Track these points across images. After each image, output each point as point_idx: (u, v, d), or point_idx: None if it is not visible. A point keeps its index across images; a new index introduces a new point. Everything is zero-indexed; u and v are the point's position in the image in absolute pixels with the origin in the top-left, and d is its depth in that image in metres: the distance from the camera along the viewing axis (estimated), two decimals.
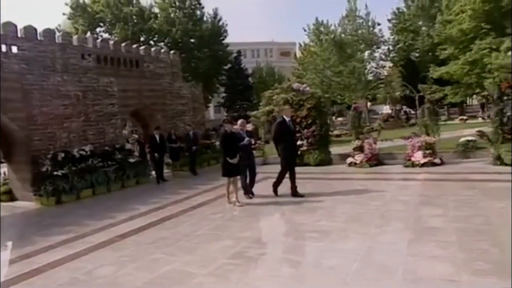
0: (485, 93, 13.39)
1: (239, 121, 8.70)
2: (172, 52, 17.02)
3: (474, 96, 32.79)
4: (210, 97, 38.13)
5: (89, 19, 32.69)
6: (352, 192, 8.10)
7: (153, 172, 12.81)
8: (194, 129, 14.31)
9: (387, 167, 11.05)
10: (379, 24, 35.05)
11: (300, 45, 39.62)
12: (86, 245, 5.87)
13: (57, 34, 13.30)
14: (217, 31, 36.01)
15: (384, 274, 3.96)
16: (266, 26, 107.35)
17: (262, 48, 68.35)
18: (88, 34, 29.27)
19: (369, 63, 36.65)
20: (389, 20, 37.55)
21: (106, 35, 32.99)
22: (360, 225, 5.76)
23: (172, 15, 34.52)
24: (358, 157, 11.53)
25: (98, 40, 14.68)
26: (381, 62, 38.14)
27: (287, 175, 8.16)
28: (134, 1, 34.13)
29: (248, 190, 8.37)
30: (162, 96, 15.22)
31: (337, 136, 21.43)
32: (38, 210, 9.75)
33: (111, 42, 14.42)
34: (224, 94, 40.97)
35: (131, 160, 12.38)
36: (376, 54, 37.06)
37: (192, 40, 34.48)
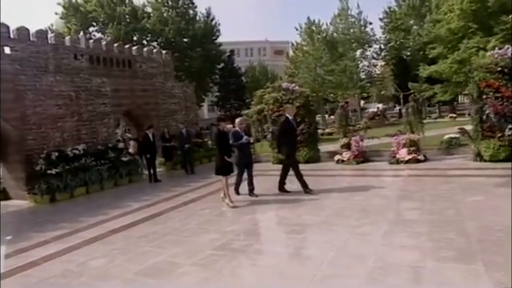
0: (466, 91, 13.78)
1: (237, 120, 8.74)
2: (164, 52, 17.24)
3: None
4: (203, 96, 38.34)
5: (82, 18, 32.77)
6: (337, 188, 8.42)
7: (146, 171, 12.90)
8: (187, 127, 14.42)
9: (373, 164, 11.38)
10: (370, 23, 35.59)
11: (292, 44, 39.88)
12: (79, 240, 6.13)
13: (50, 34, 13.47)
14: (210, 30, 36.24)
15: (356, 261, 4.27)
16: (260, 25, 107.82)
17: (255, 47, 68.59)
18: (81, 33, 29.53)
19: (361, 61, 37.15)
20: (380, 19, 38.01)
21: (99, 35, 33.11)
22: (341, 219, 6.07)
23: (165, 14, 34.70)
24: (346, 155, 11.85)
25: (91, 41, 14.86)
26: (373, 60, 38.71)
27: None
28: (127, 1, 34.25)
29: (237, 188, 8.51)
30: (155, 96, 15.45)
31: (329, 134, 21.73)
32: (32, 208, 9.97)
33: (104, 43, 14.62)
34: (217, 93, 41.17)
35: (124, 158, 12.58)
36: (368, 53, 37.63)
37: (185, 40, 34.69)
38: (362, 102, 49.38)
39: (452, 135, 11.67)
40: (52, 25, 33.80)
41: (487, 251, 4.19)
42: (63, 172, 10.74)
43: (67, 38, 13.59)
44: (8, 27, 11.42)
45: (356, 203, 6.94)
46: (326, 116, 42.82)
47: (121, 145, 13.57)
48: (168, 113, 16.03)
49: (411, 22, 35.12)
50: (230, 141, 8.09)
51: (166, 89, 16.14)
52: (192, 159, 13.62)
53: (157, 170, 12.79)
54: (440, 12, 27.14)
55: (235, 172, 8.36)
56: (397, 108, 38.05)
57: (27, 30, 11.93)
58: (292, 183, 8.37)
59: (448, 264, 3.99)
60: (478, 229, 4.92)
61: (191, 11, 35.99)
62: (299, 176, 8.19)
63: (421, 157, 10.80)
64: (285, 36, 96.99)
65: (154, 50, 17.07)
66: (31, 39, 11.98)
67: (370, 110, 37.08)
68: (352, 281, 3.83)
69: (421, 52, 32.13)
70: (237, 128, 8.37)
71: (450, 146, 11.47)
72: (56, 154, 11.08)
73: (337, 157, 12.08)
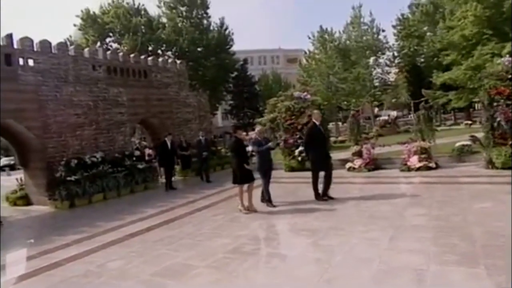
0: (476, 99, 13.74)
1: (257, 128, 9.00)
2: (179, 62, 17.69)
3: None
4: (217, 105, 38.81)
5: (99, 29, 33.70)
6: (347, 195, 8.56)
7: (162, 177, 13.10)
8: (205, 136, 14.49)
9: (384, 171, 11.47)
10: (383, 31, 35.56)
11: (305, 53, 40.14)
12: (98, 243, 6.45)
13: (70, 46, 14.03)
14: (223, 39, 36.77)
15: (362, 264, 4.45)
16: (273, 33, 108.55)
17: (268, 55, 69.11)
18: (98, 44, 30.40)
19: (374, 69, 37.10)
20: (393, 26, 37.91)
21: (115, 45, 33.98)
22: (349, 224, 6.24)
23: (179, 25, 35.39)
24: (357, 162, 11.97)
25: (108, 52, 15.40)
26: (387, 68, 38.62)
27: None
28: (143, 12, 35.10)
29: (266, 197, 8.38)
30: (169, 105, 15.87)
31: (341, 141, 21.81)
32: (53, 213, 10.38)
33: (120, 54, 15.13)
34: (231, 102, 41.63)
35: (140, 166, 12.96)
36: (381, 60, 37.54)
37: (199, 49, 35.26)
38: (376, 109, 49.26)
39: (464, 143, 11.68)
40: (70, 36, 34.87)
41: (490, 255, 4.32)
42: (82, 179, 11.16)
43: (86, 49, 14.14)
44: (32, 41, 11.96)
45: (364, 210, 7.10)
46: (340, 123, 42.85)
47: (137, 153, 13.93)
48: (183, 122, 16.42)
49: (425, 28, 34.96)
50: (253, 148, 8.17)
51: (181, 98, 16.55)
52: (208, 167, 13.63)
53: (173, 177, 13.00)
54: (453, 18, 27.04)
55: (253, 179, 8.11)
56: (411, 115, 37.81)
57: (49, 43, 12.46)
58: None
59: (451, 267, 4.14)
60: (483, 234, 5.04)
61: (205, 21, 36.61)
62: (314, 184, 8.28)
63: (432, 164, 10.84)
64: (298, 44, 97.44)
65: (169, 60, 17.53)
66: (53, 51, 12.53)
67: (382, 118, 36.94)
68: (357, 283, 4.01)
69: (435, 59, 31.95)
70: (257, 136, 8.57)
71: (462, 154, 11.47)
72: (75, 161, 11.53)
73: (348, 165, 12.20)
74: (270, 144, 8.56)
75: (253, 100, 40.26)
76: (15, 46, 11.40)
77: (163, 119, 15.54)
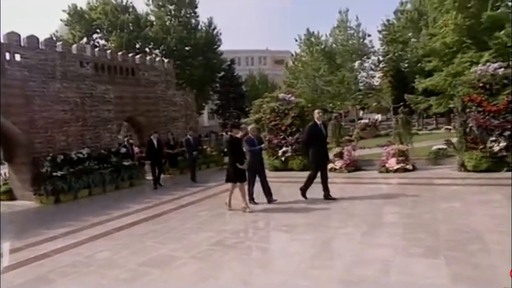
0: (451, 105, 14.36)
1: (249, 127, 9.03)
2: (166, 60, 17.85)
3: None
4: (203, 104, 38.97)
5: (86, 25, 33.52)
6: None
7: (149, 176, 13.19)
8: (193, 135, 14.36)
9: (364, 172, 11.91)
10: (369, 35, 36.38)
11: (292, 55, 40.66)
12: (85, 236, 6.65)
13: (57, 42, 14.05)
14: (211, 39, 36.96)
15: (335, 256, 4.81)
16: (260, 34, 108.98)
17: (256, 56, 69.42)
18: (85, 40, 30.24)
19: (359, 72, 37.85)
20: (379, 31, 38.70)
21: (102, 42, 33.84)
22: (327, 221, 6.61)
23: (167, 23, 35.45)
24: (338, 163, 12.37)
25: (96, 49, 15.47)
26: (371, 72, 39.42)
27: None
28: (131, 9, 35.03)
29: (252, 196, 8.51)
30: (156, 103, 16.05)
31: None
32: (38, 208, 10.47)
33: (108, 51, 15.23)
34: (217, 101, 41.82)
35: (126, 163, 13.10)
36: (366, 64, 38.32)
37: (186, 48, 35.39)
38: (361, 112, 50.11)
39: (440, 146, 12.22)
40: (57, 31, 34.60)
41: (451, 248, 4.73)
42: (68, 175, 11.25)
43: (74, 46, 14.17)
44: (19, 36, 11.99)
45: (343, 208, 7.48)
46: None
47: (123, 150, 14.02)
48: (169, 120, 16.60)
49: (409, 34, 35.81)
50: (245, 147, 8.21)
51: (168, 97, 16.73)
52: (195, 166, 13.58)
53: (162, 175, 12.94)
54: (436, 26, 27.86)
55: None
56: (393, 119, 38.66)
57: (37, 38, 12.50)
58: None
59: (415, 259, 4.53)
60: (448, 230, 5.46)
61: (193, 20, 36.75)
62: (308, 183, 8.44)
63: (409, 166, 11.31)
64: (285, 45, 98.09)
65: (157, 59, 17.69)
66: (40, 47, 12.57)
67: (362, 121, 37.71)
68: (330, 273, 4.36)
69: (418, 65, 32.81)
70: (250, 135, 8.62)
71: (438, 157, 12.00)
72: (61, 157, 11.61)
73: (329, 166, 12.58)
74: (263, 145, 8.70)
75: (240, 101, 40.56)
76: (1, 41, 11.44)
77: (149, 117, 15.70)
